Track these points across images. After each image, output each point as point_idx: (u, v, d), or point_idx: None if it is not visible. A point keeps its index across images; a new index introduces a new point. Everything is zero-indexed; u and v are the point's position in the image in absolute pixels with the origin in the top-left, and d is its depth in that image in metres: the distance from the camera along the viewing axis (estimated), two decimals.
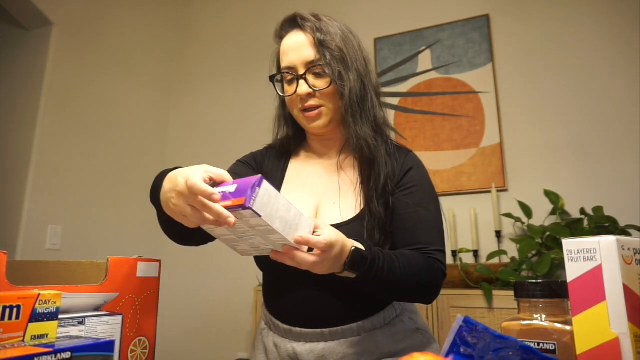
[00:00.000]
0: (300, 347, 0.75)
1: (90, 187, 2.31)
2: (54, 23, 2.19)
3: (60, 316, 0.52)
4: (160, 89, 2.88)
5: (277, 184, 0.86)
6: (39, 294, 0.44)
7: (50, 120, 2.13)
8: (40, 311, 0.44)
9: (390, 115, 2.32)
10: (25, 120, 2.11)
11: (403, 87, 2.35)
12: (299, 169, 0.89)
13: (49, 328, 0.45)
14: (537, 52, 2.15)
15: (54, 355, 0.36)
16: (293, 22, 0.83)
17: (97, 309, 0.59)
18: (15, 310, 0.42)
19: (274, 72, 0.87)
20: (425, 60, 2.34)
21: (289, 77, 0.81)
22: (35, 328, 0.43)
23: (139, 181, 2.64)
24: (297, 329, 0.76)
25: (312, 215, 0.81)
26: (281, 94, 0.84)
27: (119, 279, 0.63)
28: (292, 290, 0.78)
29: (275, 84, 0.85)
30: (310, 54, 0.79)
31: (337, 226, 0.74)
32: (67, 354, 0.37)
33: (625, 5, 2.01)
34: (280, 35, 0.85)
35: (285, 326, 0.78)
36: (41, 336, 0.43)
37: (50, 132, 2.13)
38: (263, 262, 0.83)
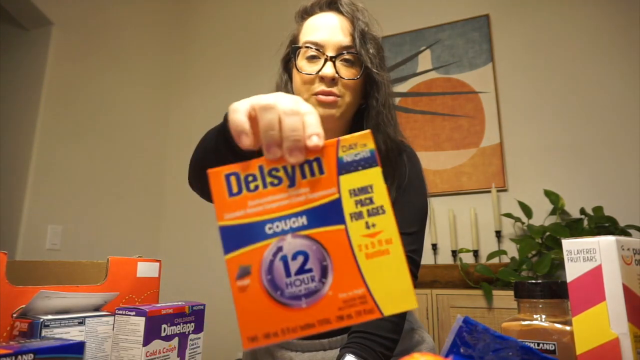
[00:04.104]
0: (299, 357, 0.73)
1: (90, 187, 2.31)
2: (54, 23, 2.20)
3: (60, 316, 0.52)
4: (160, 89, 2.88)
5: None
6: (339, 139, 0.34)
7: (50, 120, 2.13)
8: (348, 159, 0.34)
9: None
10: (25, 120, 2.11)
11: (403, 87, 2.35)
12: None
13: (370, 177, 0.33)
14: (537, 52, 2.14)
15: (14, 357, 0.33)
16: (331, 4, 0.77)
17: (97, 309, 0.59)
18: (315, 164, 0.34)
19: (284, 53, 0.81)
20: (425, 60, 2.34)
21: (312, 54, 0.73)
22: (350, 180, 0.33)
23: (139, 181, 2.64)
24: (295, 340, 0.74)
25: None
26: (299, 70, 0.74)
27: (119, 279, 0.63)
28: None
29: (295, 59, 0.75)
30: (346, 39, 0.73)
31: None
32: (30, 356, 0.34)
33: (625, 6, 2.01)
34: (308, 13, 0.79)
35: None
36: (363, 189, 0.34)
37: (50, 132, 2.13)
38: None
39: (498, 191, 2.03)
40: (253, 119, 0.37)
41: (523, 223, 1.93)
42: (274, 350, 0.77)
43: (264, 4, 2.82)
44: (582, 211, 1.83)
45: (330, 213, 0.33)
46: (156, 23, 2.88)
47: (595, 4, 2.08)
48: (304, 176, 0.34)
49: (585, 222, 1.81)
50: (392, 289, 0.32)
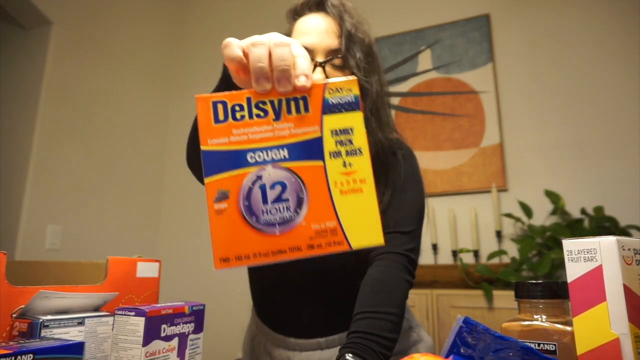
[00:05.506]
0: (296, 357, 0.73)
1: (89, 187, 2.30)
2: (53, 22, 2.19)
3: (59, 316, 0.52)
4: (160, 88, 2.88)
5: None
6: (326, 83, 0.35)
7: (49, 119, 2.13)
8: (333, 101, 0.35)
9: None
10: (25, 120, 2.11)
11: (403, 87, 2.35)
12: None
13: (352, 120, 0.34)
14: (538, 52, 2.14)
15: (14, 358, 0.32)
16: (319, 5, 0.76)
17: (96, 309, 0.59)
18: (301, 102, 0.34)
19: None
20: (425, 60, 2.34)
21: None
22: (333, 121, 0.35)
23: (139, 181, 2.64)
24: (292, 339, 0.74)
25: None
26: None
27: (119, 279, 0.63)
28: (283, 301, 0.76)
29: None
30: (334, 42, 0.72)
31: None
32: (29, 356, 0.34)
33: (627, 4, 2.01)
34: (298, 13, 0.78)
35: (279, 336, 0.76)
36: (344, 131, 0.35)
37: (49, 132, 2.13)
38: (253, 268, 0.80)
39: (498, 191, 2.03)
40: (246, 55, 0.37)
41: (523, 223, 1.93)
42: (272, 350, 0.77)
43: (263, 0, 2.82)
44: (583, 211, 1.83)
45: (311, 149, 0.35)
46: (155, 21, 2.88)
47: (596, 2, 2.08)
48: (289, 112, 0.35)
49: (586, 222, 1.81)
50: (361, 225, 0.34)
